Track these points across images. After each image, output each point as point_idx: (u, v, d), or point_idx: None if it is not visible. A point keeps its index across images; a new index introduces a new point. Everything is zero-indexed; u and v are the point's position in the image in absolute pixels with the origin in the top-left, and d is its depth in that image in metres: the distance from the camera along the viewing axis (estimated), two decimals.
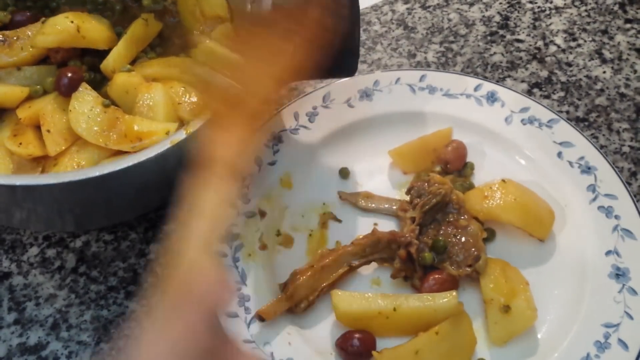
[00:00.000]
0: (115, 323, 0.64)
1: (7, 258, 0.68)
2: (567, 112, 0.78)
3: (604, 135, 0.77)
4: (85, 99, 0.61)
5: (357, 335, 0.60)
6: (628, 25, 0.86)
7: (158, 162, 0.55)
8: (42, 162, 0.61)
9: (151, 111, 0.61)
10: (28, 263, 0.68)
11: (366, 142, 0.74)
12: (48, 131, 0.60)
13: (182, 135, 0.55)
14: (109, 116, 0.60)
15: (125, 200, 0.62)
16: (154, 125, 0.60)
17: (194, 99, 0.63)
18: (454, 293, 0.60)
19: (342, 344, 0.60)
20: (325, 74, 0.65)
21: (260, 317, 0.60)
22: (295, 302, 0.62)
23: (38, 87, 0.63)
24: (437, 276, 0.63)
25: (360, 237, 0.65)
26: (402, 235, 0.64)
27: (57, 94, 0.63)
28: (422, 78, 0.77)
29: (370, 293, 0.62)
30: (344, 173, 0.73)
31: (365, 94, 0.76)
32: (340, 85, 0.76)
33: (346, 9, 0.60)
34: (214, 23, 0.70)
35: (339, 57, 0.61)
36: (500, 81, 0.81)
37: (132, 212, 0.68)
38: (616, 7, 0.88)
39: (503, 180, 0.67)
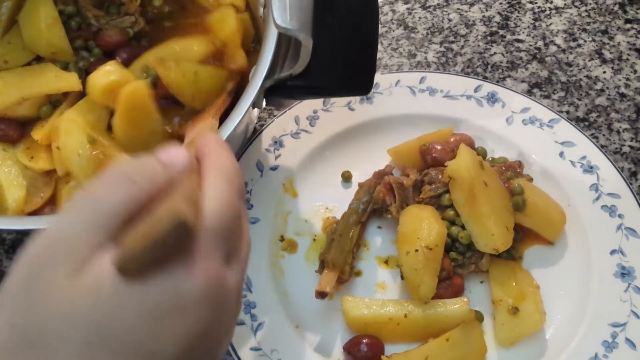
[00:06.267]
0: None
1: (8, 258, 0.68)
2: (567, 112, 0.79)
3: (604, 135, 0.77)
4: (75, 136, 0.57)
5: (365, 340, 0.60)
6: (628, 26, 0.87)
7: None
8: (54, 176, 0.60)
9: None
10: None
11: (367, 144, 0.74)
12: (58, 148, 0.58)
13: None
14: (97, 156, 0.57)
15: None
16: None
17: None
18: (465, 299, 0.60)
19: (351, 349, 0.60)
20: (340, 92, 0.62)
21: (322, 294, 0.61)
22: (340, 270, 0.63)
23: (45, 107, 0.62)
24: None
25: None
26: (387, 172, 0.69)
27: (73, 110, 0.60)
28: (422, 80, 0.77)
29: (378, 298, 0.62)
30: (346, 176, 0.72)
31: (366, 97, 0.76)
32: None
33: (366, 28, 0.58)
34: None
35: (352, 77, 0.59)
36: (500, 81, 0.81)
37: None
38: (616, 7, 0.88)
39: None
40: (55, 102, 0.62)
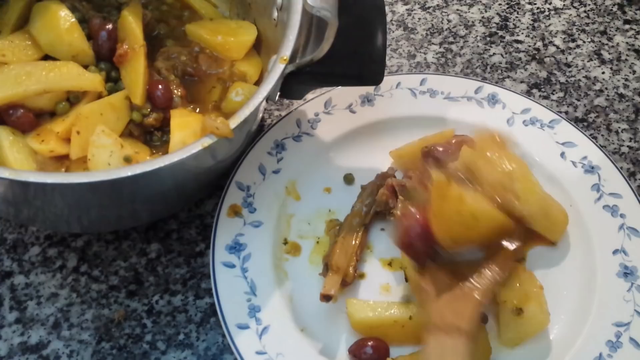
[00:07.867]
0: (117, 322, 0.64)
1: (9, 257, 0.68)
2: (566, 112, 0.79)
3: (602, 135, 0.77)
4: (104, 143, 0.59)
5: (370, 343, 0.60)
6: (627, 26, 0.87)
7: (184, 165, 0.55)
8: (65, 162, 0.61)
9: None
10: (29, 262, 0.67)
11: (369, 147, 0.74)
12: (78, 132, 0.60)
13: (212, 139, 0.54)
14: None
15: (139, 206, 0.62)
16: None
17: None
18: None
19: (356, 352, 0.60)
20: (351, 82, 0.66)
21: (327, 297, 0.61)
22: (344, 273, 0.63)
23: (63, 103, 0.63)
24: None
25: None
26: (389, 174, 0.70)
27: (92, 105, 0.62)
28: (422, 82, 0.77)
29: (382, 301, 0.62)
30: (349, 179, 0.72)
31: (367, 99, 0.76)
32: (342, 91, 0.76)
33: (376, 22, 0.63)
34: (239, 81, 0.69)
35: (365, 66, 0.63)
36: (499, 82, 0.81)
37: (141, 220, 0.68)
38: (615, 8, 0.89)
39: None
40: (73, 99, 0.63)
